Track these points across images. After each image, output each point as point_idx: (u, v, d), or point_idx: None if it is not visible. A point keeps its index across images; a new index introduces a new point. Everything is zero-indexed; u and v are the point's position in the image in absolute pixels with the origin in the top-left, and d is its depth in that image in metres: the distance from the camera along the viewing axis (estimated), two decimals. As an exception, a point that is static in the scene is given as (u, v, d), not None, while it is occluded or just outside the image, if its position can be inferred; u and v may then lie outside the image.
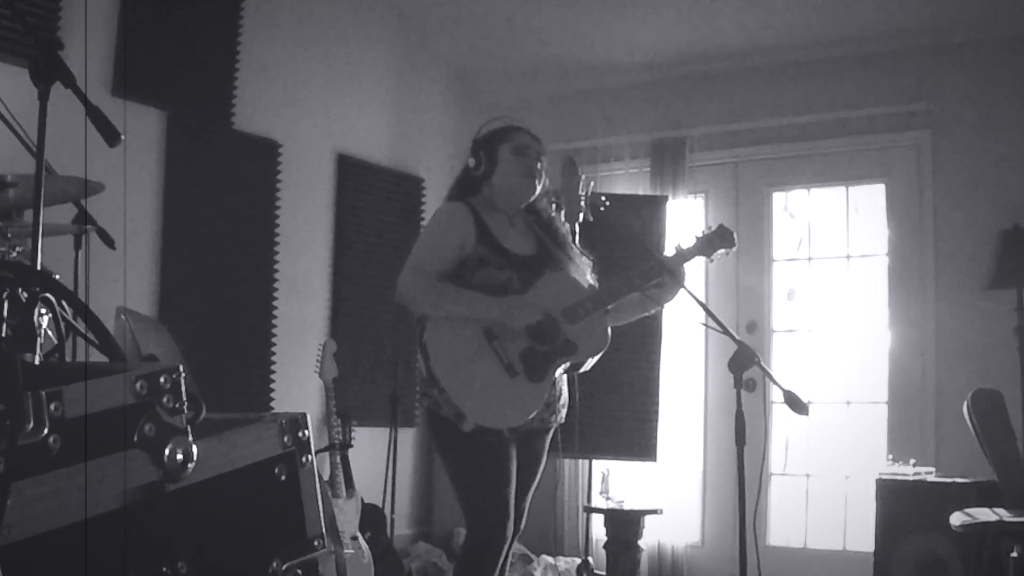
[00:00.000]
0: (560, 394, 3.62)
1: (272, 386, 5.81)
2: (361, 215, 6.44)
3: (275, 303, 5.88)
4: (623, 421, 5.76)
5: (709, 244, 3.64)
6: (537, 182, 3.66)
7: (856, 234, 6.34)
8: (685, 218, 6.49)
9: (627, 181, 6.75)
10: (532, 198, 3.68)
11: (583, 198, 5.05)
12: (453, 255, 3.50)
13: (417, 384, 3.35)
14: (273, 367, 5.83)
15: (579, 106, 7.07)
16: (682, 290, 3.56)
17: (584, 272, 3.70)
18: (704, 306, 3.49)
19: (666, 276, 3.56)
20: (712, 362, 6.44)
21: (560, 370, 3.51)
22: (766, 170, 6.52)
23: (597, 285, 3.69)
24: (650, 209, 5.97)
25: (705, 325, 3.54)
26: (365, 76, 6.63)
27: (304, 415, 2.12)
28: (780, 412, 6.15)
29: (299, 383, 5.87)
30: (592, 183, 4.97)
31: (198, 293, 5.49)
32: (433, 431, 3.56)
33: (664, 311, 5.92)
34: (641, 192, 6.61)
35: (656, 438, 5.75)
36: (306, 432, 2.11)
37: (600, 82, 6.97)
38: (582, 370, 3.59)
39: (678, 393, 6.41)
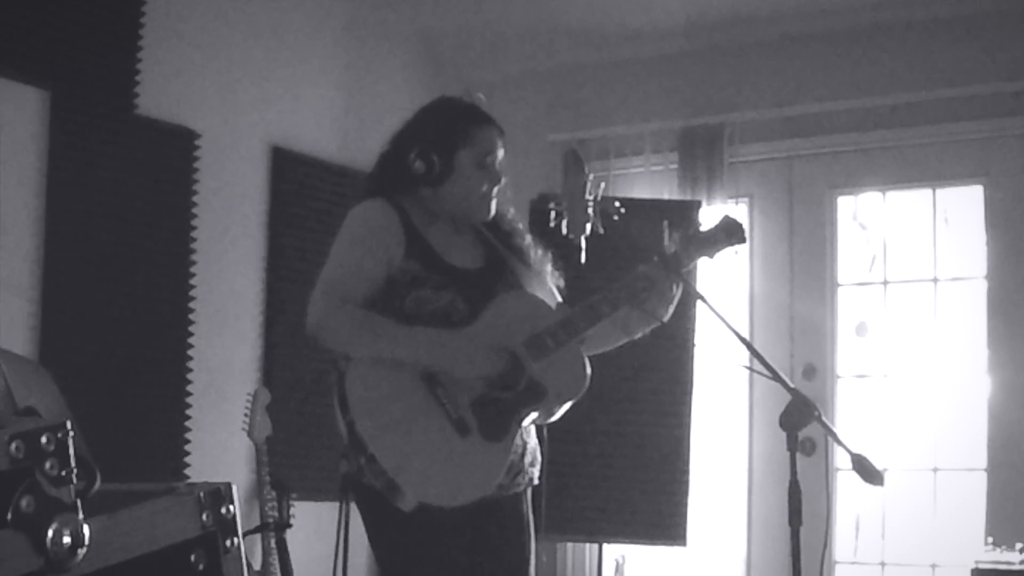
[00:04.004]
0: (526, 448, 3.58)
1: (187, 447, 5.80)
2: (302, 224, 6.44)
3: (191, 339, 5.87)
4: (643, 493, 5.77)
5: (709, 242, 3.65)
6: (495, 200, 3.67)
7: (946, 251, 6.37)
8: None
9: (648, 182, 6.78)
10: (486, 220, 3.69)
11: (591, 204, 5.06)
12: (379, 272, 3.48)
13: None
14: (188, 423, 5.82)
15: (585, 84, 7.10)
16: (671, 311, 3.58)
17: (547, 284, 3.70)
18: (748, 344, 3.50)
19: (654, 289, 3.56)
20: (759, 417, 6.45)
21: (527, 422, 3.49)
22: (829, 168, 6.55)
23: (559, 298, 3.68)
24: (678, 218, 6.00)
25: (750, 369, 3.56)
26: (307, 49, 6.65)
27: (228, 486, 2.13)
28: (847, 482, 6.16)
29: (222, 444, 5.87)
30: (603, 184, 4.98)
31: (91, 326, 5.48)
32: (358, 506, 3.53)
33: (695, 351, 5.96)
34: (667, 196, 6.64)
35: (686, 515, 5.75)
36: (231, 507, 2.12)
37: (613, 53, 7.00)
38: (553, 419, 3.57)
39: (714, 458, 6.42)
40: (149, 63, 5.78)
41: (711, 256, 3.66)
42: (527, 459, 3.59)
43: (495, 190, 3.67)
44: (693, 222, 3.72)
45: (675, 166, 6.71)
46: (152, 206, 5.78)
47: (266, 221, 6.38)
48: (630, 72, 7.00)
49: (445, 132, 3.64)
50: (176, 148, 5.91)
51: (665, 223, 3.68)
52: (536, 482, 3.65)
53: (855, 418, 6.34)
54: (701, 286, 5.69)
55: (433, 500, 3.34)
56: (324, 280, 3.49)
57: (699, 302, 3.69)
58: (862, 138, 6.43)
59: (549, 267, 3.78)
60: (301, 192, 6.49)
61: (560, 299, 3.72)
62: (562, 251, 4.02)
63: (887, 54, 6.37)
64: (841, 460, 6.02)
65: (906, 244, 6.45)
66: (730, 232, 3.66)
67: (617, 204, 5.06)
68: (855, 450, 3.27)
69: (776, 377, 3.42)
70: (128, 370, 5.62)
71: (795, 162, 6.63)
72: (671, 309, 3.62)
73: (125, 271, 5.64)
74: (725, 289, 6.48)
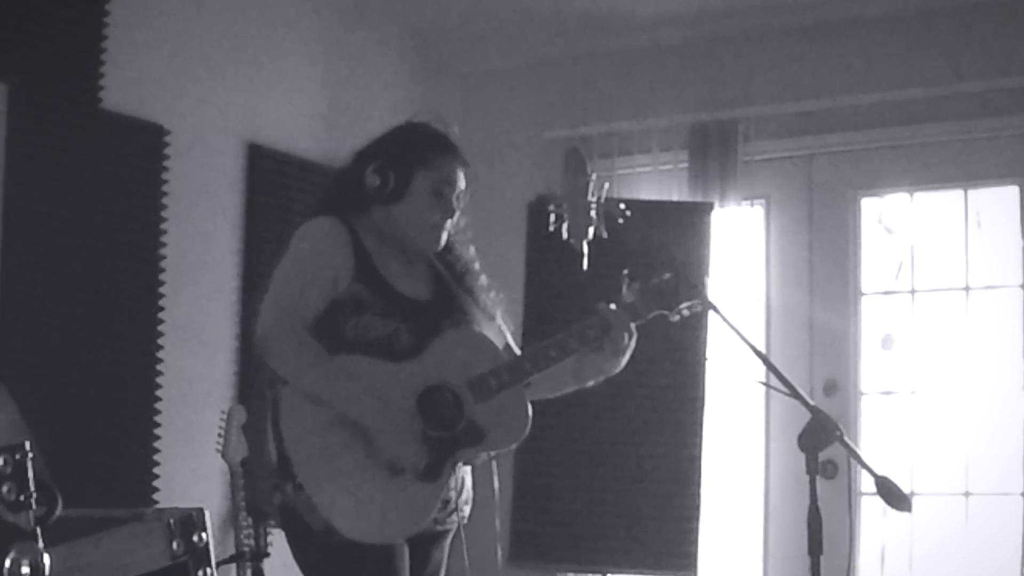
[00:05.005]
0: (461, 485, 3.69)
1: (156, 470, 5.79)
2: (280, 228, 6.42)
3: (159, 352, 5.87)
4: (650, 519, 5.77)
5: (659, 296, 3.69)
6: (445, 234, 3.76)
7: (979, 256, 6.38)
8: (737, 234, 6.52)
9: (656, 182, 6.79)
10: (432, 252, 3.78)
11: (594, 206, 5.06)
12: (327, 294, 3.57)
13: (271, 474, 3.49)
14: (157, 443, 5.81)
15: (588, 76, 7.11)
16: (623, 363, 3.64)
17: (497, 327, 3.79)
18: (764, 358, 3.51)
19: (608, 337, 3.62)
20: (776, 437, 6.46)
21: (462, 464, 3.59)
22: (852, 167, 6.56)
23: (511, 343, 3.78)
24: (688, 221, 6.01)
25: (766, 385, 3.57)
26: (285, 39, 6.64)
27: (201, 511, 2.14)
28: (872, 507, 6.16)
29: (193, 466, 5.86)
30: (606, 185, 4.98)
31: (51, 337, 5.48)
32: (287, 536, 3.61)
33: (707, 365, 5.96)
34: (676, 197, 6.65)
35: (696, 544, 5.75)
36: (203, 535, 2.12)
37: (617, 41, 7.00)
38: (492, 460, 3.65)
39: (728, 481, 6.42)
40: (114, 53, 5.76)
41: (670, 312, 3.70)
42: (463, 497, 3.71)
43: (448, 223, 3.76)
44: (657, 273, 3.73)
45: (685, 165, 6.71)
46: (118, 208, 5.77)
47: (241, 224, 6.37)
48: (636, 63, 7.01)
49: (406, 151, 3.74)
50: (144, 145, 5.90)
51: (625, 272, 3.73)
52: (466, 521, 3.74)
53: (880, 438, 6.35)
54: (713, 295, 5.71)
55: (364, 537, 3.44)
56: (277, 298, 3.58)
57: (711, 313, 3.69)
58: (888, 135, 6.44)
59: (500, 312, 3.86)
60: (279, 193, 6.48)
61: (511, 343, 3.81)
62: (562, 257, 4.04)
63: (915, 44, 6.38)
64: (865, 484, 6.01)
65: (936, 249, 6.46)
66: (680, 288, 3.70)
67: (622, 206, 5.06)
68: (880, 473, 3.27)
69: (794, 394, 3.43)
70: (91, 385, 5.61)
71: (815, 161, 6.63)
72: (624, 360, 3.68)
73: (88, 278, 5.64)
74: (740, 298, 6.49)
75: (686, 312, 3.71)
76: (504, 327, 3.84)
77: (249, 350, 6.28)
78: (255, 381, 3.57)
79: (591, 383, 3.78)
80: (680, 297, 3.69)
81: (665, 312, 3.70)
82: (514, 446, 3.60)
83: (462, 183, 3.78)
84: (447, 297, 3.75)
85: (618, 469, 5.80)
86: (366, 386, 3.48)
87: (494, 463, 3.72)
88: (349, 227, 3.65)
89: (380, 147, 3.77)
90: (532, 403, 3.62)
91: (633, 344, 3.66)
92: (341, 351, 3.52)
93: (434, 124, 3.83)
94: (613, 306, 3.66)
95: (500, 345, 3.70)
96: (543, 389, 3.77)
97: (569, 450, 5.96)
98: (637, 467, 5.70)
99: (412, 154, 3.73)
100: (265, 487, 3.69)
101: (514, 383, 3.57)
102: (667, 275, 3.71)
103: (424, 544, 3.66)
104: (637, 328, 3.66)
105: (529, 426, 3.57)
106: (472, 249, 3.93)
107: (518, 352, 3.80)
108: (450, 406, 3.51)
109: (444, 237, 3.77)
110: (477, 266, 3.91)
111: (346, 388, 3.47)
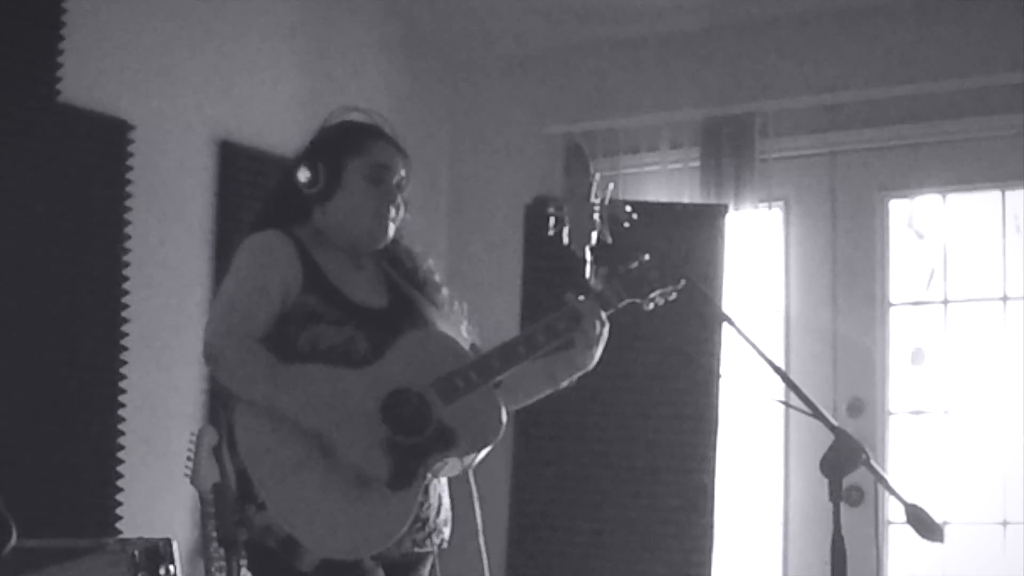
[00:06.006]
0: (439, 504, 3.69)
1: (119, 496, 5.80)
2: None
3: (123, 368, 5.87)
4: (659, 550, 5.77)
5: (630, 283, 3.72)
6: (392, 225, 3.78)
7: (1017, 263, 6.38)
8: (753, 239, 6.52)
9: (665, 182, 6.79)
10: (380, 246, 3.80)
11: (597, 208, 5.07)
12: (276, 306, 3.60)
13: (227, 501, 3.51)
14: (121, 467, 5.82)
15: (591, 67, 7.12)
16: (596, 356, 3.66)
17: (459, 326, 3.82)
18: (783, 374, 3.52)
19: (578, 329, 3.64)
20: (796, 461, 6.46)
21: (435, 471, 3.58)
22: (880, 165, 6.57)
23: (473, 339, 3.80)
24: (700, 225, 6.02)
25: (785, 404, 3.57)
26: (261, 27, 6.64)
27: (168, 542, 2.15)
28: (901, 538, 6.17)
29: (160, 493, 5.86)
30: (611, 185, 4.98)
31: (3, 351, 5.49)
32: (250, 569, 3.63)
33: (721, 382, 5.95)
34: (687, 199, 6.65)
35: (709, 574, 5.75)
36: (171, 568, 2.13)
37: (623, 29, 7.01)
38: (467, 468, 3.64)
39: (743, 509, 6.43)
40: (73, 41, 5.77)
41: (643, 299, 3.72)
42: (441, 516, 3.71)
43: (392, 212, 3.78)
44: (628, 260, 3.76)
45: (697, 163, 6.72)
46: (78, 209, 5.77)
47: (212, 228, 6.38)
48: (643, 52, 7.01)
49: (333, 141, 3.82)
50: (106, 142, 5.90)
51: (589, 257, 3.75)
52: (447, 545, 3.75)
53: (910, 462, 6.36)
54: (728, 305, 5.72)
55: (335, 554, 3.44)
56: (223, 309, 3.63)
57: (725, 325, 3.70)
58: (918, 130, 6.45)
59: (465, 324, 3.88)
60: (254, 194, 6.46)
61: (478, 345, 3.82)
62: (562, 265, 4.04)
63: (949, 31, 6.39)
64: (893, 512, 6.03)
65: (970, 256, 6.47)
66: (659, 270, 3.73)
67: (628, 209, 5.06)
68: (910, 500, 3.27)
69: (816, 414, 3.43)
70: (48, 403, 5.61)
71: (839, 159, 6.64)
72: (597, 353, 3.71)
73: (45, 286, 5.63)
74: (756, 309, 6.49)
75: (660, 300, 3.73)
76: (463, 324, 3.85)
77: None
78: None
79: (565, 383, 3.79)
80: (653, 284, 3.71)
81: (637, 300, 3.72)
82: (488, 449, 3.59)
83: (402, 171, 3.79)
84: (404, 303, 3.77)
85: (624, 496, 5.80)
86: (322, 393, 3.49)
87: (471, 474, 3.73)
88: (294, 238, 3.69)
89: (307, 148, 3.83)
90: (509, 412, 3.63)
91: (606, 334, 3.68)
92: (295, 364, 3.55)
93: (365, 115, 3.90)
94: (582, 297, 3.69)
95: (464, 343, 3.71)
96: (517, 394, 3.79)
97: (570, 475, 5.96)
98: (646, 493, 5.69)
99: (342, 142, 3.79)
100: (230, 522, 3.70)
101: (482, 382, 3.58)
102: (643, 259, 3.74)
103: (402, 570, 3.66)
104: (609, 318, 3.68)
105: (504, 426, 3.57)
106: (420, 246, 3.95)
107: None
108: (416, 409, 3.53)
109: (391, 229, 3.79)
110: (437, 277, 3.94)
111: (302, 396, 3.48)
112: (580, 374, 3.76)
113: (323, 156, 3.76)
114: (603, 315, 3.68)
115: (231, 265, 3.72)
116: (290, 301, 3.60)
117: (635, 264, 3.74)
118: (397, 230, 3.82)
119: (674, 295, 3.74)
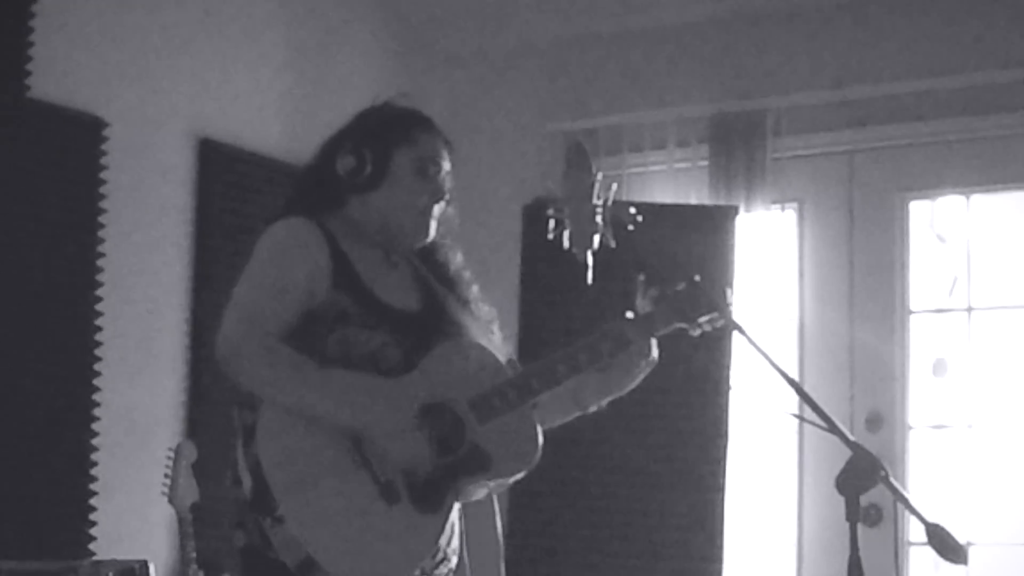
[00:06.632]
0: (454, 530, 3.63)
1: (93, 516, 5.79)
2: (236, 234, 6.42)
3: (97, 380, 5.87)
4: (665, 570, 5.77)
5: (676, 310, 3.67)
6: (435, 223, 3.74)
7: (1046, 269, 6.38)
8: (766, 242, 6.52)
9: (672, 182, 6.80)
10: (420, 245, 3.76)
11: (600, 210, 5.06)
12: (302, 302, 3.54)
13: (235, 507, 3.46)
14: (94, 485, 5.81)
15: (593, 60, 7.12)
16: (635, 383, 3.65)
17: (491, 326, 3.79)
18: (798, 387, 3.51)
19: (622, 352, 3.61)
20: (811, 478, 6.46)
21: (465, 494, 3.55)
22: (899, 164, 6.57)
23: (508, 351, 3.77)
24: (709, 227, 6.02)
25: (799, 418, 3.57)
26: (243, 19, 6.65)
27: (145, 564, 2.14)
28: (922, 559, 6.16)
29: (136, 512, 5.86)
30: (615, 185, 4.98)
31: (-29, 363, 5.49)
32: None
33: (731, 395, 5.95)
34: (695, 200, 6.66)
35: (720, 600, 5.76)
36: (146, 593, 2.12)
37: (629, 21, 7.02)
38: (493, 492, 3.64)
39: (755, 527, 6.42)
40: (44, 34, 5.77)
41: (690, 326, 3.68)
42: (453, 544, 3.63)
43: (436, 208, 3.73)
44: (672, 283, 3.72)
45: (705, 162, 6.73)
46: (49, 212, 5.77)
47: (191, 231, 6.38)
48: (649, 44, 7.02)
49: (382, 128, 3.73)
50: (79, 139, 5.91)
51: (640, 277, 3.72)
52: (454, 574, 3.69)
53: (932, 479, 6.35)
54: (739, 313, 5.70)
55: (347, 574, 3.39)
56: (242, 304, 3.55)
57: (736, 335, 3.69)
58: (940, 128, 6.45)
59: (497, 327, 3.85)
60: (235, 195, 6.48)
61: (515, 359, 3.80)
62: (563, 269, 4.03)
63: (972, 24, 6.39)
64: (914, 532, 6.03)
65: (996, 261, 6.47)
66: (696, 300, 3.67)
67: (633, 211, 5.06)
68: (931, 519, 3.26)
69: (832, 428, 3.42)
70: (18, 418, 5.60)
71: (856, 158, 6.64)
72: (638, 380, 3.68)
73: (14, 292, 5.63)
74: (769, 317, 6.49)
75: (707, 327, 3.69)
76: (502, 341, 3.82)
77: (200, 376, 6.28)
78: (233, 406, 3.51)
79: (593, 408, 3.76)
80: (701, 309, 3.66)
81: (684, 325, 3.68)
82: (522, 474, 3.56)
83: (447, 164, 3.75)
84: (437, 307, 3.71)
85: (630, 512, 5.80)
86: (358, 389, 3.45)
87: (495, 498, 3.70)
88: (325, 230, 3.61)
89: (350, 131, 3.76)
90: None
91: (655, 361, 3.65)
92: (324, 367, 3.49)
93: (403, 100, 3.82)
94: (630, 314, 3.65)
95: (502, 358, 3.67)
96: (549, 412, 3.73)
97: (575, 491, 5.97)
98: (652, 512, 5.69)
99: (389, 131, 3.71)
100: (227, 524, 3.64)
101: (521, 403, 3.55)
102: (682, 285, 3.70)
103: None
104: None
105: (539, 452, 3.54)
106: (461, 256, 3.91)
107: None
108: (450, 426, 3.49)
109: (434, 227, 3.74)
110: (468, 274, 3.89)
111: (336, 394, 3.44)
112: (611, 399, 3.73)
113: (371, 143, 3.68)
114: (652, 341, 3.63)
115: (252, 253, 3.63)
116: (318, 298, 3.53)
117: (682, 286, 3.68)
118: (439, 226, 3.77)
119: (720, 323, 3.68)
